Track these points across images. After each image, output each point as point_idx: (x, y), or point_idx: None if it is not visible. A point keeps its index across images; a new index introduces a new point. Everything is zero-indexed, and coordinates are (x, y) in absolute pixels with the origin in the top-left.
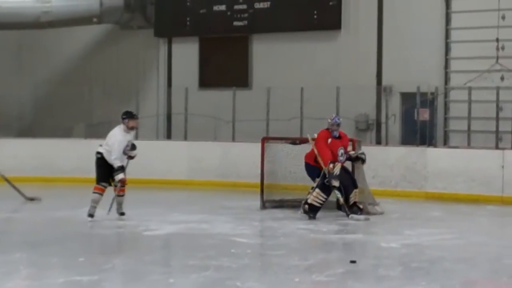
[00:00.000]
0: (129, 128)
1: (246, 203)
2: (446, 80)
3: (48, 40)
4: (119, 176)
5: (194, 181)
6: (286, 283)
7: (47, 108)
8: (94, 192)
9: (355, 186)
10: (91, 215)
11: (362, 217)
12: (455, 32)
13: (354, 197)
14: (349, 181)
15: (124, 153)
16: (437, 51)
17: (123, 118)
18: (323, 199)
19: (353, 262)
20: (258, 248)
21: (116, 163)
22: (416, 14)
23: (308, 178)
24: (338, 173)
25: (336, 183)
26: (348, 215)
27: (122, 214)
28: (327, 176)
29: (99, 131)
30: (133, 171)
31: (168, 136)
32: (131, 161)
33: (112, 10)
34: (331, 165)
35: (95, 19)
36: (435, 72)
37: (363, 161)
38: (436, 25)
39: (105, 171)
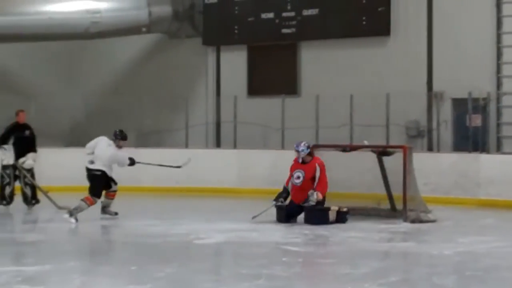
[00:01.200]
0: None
1: None
2: (498, 85)
3: (97, 50)
4: None
5: (244, 189)
6: None
7: (97, 118)
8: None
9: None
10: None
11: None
12: (507, 36)
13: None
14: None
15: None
16: (488, 56)
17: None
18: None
19: None
20: (309, 256)
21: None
22: (467, 19)
23: (359, 186)
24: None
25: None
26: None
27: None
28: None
29: (149, 141)
30: (182, 179)
31: (218, 144)
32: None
33: (161, 20)
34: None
35: (144, 29)
36: (486, 77)
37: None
38: (487, 29)
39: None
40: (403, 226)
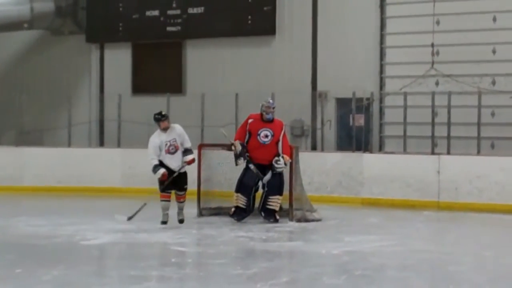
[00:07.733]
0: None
1: None
2: (381, 85)
3: None
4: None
5: (129, 188)
6: None
7: None
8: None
9: (279, 193)
10: (164, 222)
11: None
12: (390, 37)
13: (274, 203)
14: (274, 184)
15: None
16: (372, 57)
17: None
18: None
19: None
20: (199, 257)
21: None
22: (351, 20)
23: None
24: (238, 150)
25: (240, 162)
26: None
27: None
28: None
29: (30, 139)
30: (66, 179)
31: (101, 143)
32: None
33: (43, 16)
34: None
35: (25, 25)
36: (370, 77)
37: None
38: (371, 30)
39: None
40: (289, 225)
